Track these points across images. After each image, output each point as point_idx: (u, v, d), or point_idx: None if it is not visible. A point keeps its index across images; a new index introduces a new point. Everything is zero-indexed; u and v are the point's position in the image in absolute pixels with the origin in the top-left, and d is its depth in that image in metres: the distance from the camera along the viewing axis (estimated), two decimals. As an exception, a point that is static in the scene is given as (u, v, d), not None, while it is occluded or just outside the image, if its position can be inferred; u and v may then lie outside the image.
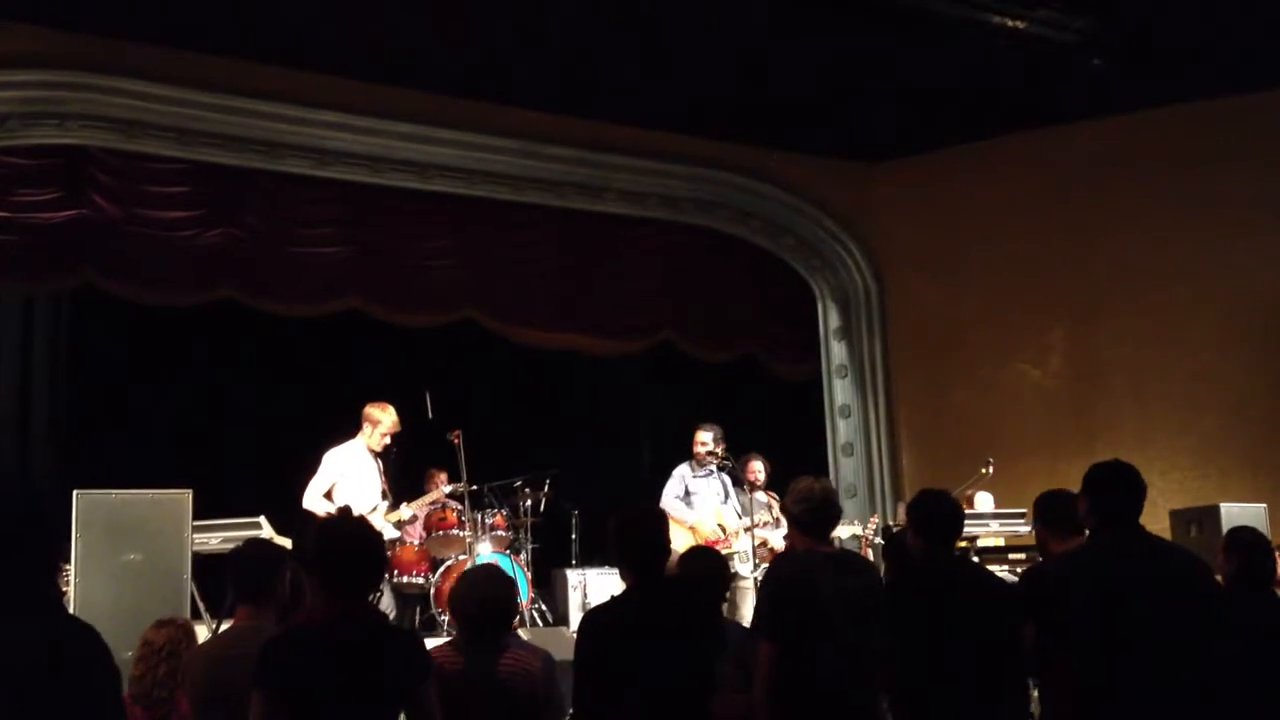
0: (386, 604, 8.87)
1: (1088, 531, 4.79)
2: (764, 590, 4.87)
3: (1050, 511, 5.23)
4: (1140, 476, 4.66)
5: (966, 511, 9.97)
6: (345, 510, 7.77)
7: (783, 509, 5.13)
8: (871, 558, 9.71)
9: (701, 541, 9.14)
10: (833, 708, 4.58)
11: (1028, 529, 9.36)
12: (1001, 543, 9.59)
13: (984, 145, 11.93)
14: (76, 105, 9.64)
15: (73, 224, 9.79)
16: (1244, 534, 5.48)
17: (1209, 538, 8.26)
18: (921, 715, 4.81)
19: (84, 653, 3.31)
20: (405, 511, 9.12)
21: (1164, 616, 4.35)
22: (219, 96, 9.96)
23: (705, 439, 9.90)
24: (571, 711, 4.67)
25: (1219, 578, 5.12)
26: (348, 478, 8.71)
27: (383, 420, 8.82)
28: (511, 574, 8.62)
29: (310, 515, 8.39)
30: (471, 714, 4.42)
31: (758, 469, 10.16)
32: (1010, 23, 9.29)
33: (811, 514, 4.91)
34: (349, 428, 8.87)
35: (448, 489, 9.61)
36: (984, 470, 10.13)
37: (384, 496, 8.91)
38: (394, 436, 8.93)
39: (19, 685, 3.17)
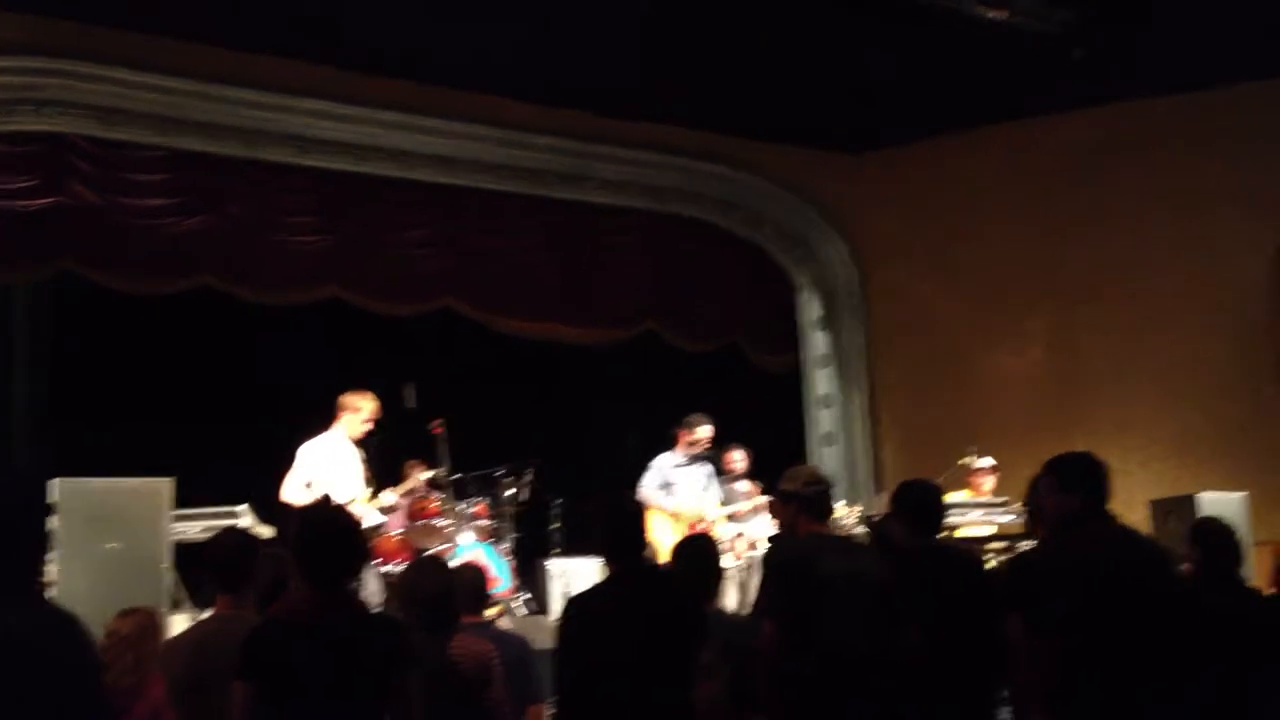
0: (374, 590, 8.86)
1: (1059, 522, 4.80)
2: (768, 572, 4.88)
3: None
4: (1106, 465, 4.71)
5: (973, 474, 10.05)
6: (325, 499, 7.76)
7: (787, 491, 5.08)
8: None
9: (684, 529, 9.15)
10: (834, 688, 4.59)
11: (1009, 518, 9.40)
12: (983, 532, 9.61)
13: (966, 136, 11.94)
14: (54, 92, 9.57)
15: (51, 212, 9.72)
16: (1209, 524, 5.59)
17: (1187, 528, 8.29)
18: (917, 701, 4.85)
19: (66, 641, 3.31)
20: (388, 498, 9.10)
21: (1143, 606, 4.39)
22: (199, 84, 9.92)
23: (707, 432, 9.87)
24: (553, 698, 4.69)
25: (1187, 567, 5.19)
26: (325, 470, 8.67)
27: (363, 408, 8.79)
28: (493, 564, 8.66)
29: (289, 507, 8.36)
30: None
31: (737, 458, 10.19)
32: (992, 14, 9.31)
33: (820, 496, 4.94)
34: (330, 416, 8.84)
35: (427, 475, 9.58)
36: (965, 461, 10.16)
37: (367, 484, 8.89)
38: (375, 424, 8.90)
39: (1, 672, 3.16)
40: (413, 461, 10.00)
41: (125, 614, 5.29)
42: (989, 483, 10.05)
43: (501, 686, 4.76)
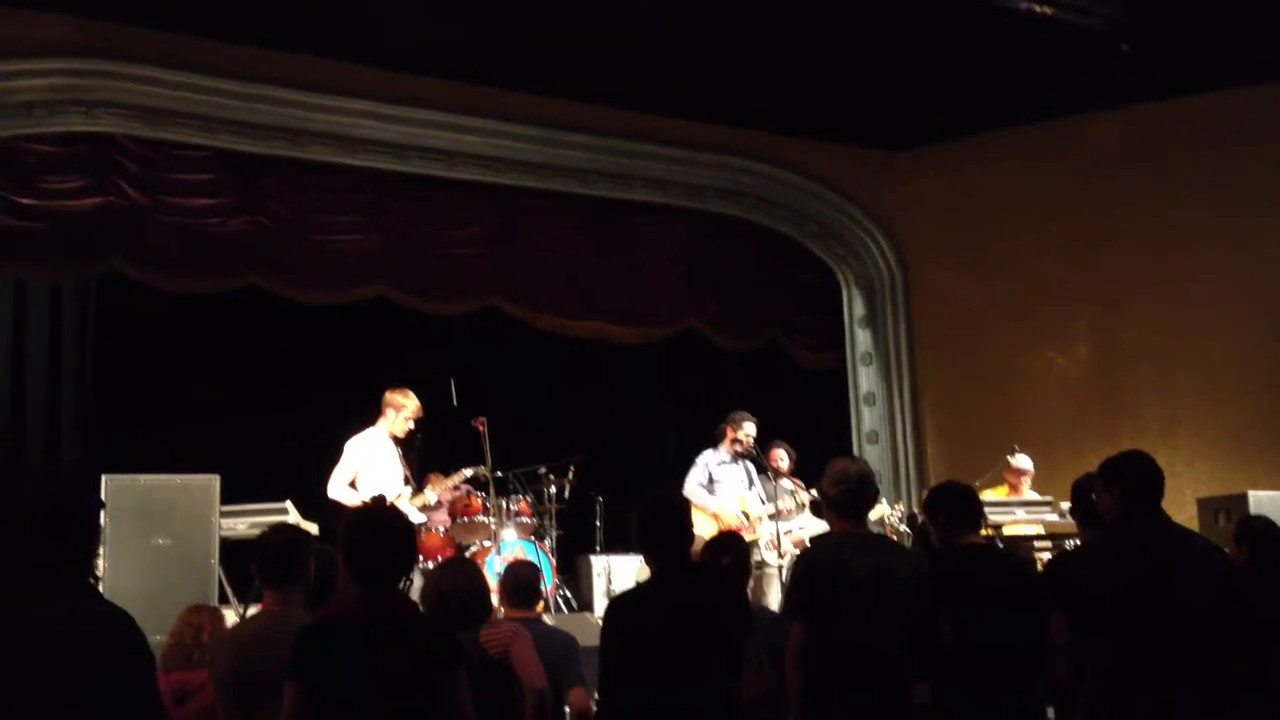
0: (419, 590, 8.89)
1: (1111, 520, 4.78)
2: (796, 571, 4.88)
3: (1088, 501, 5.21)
4: (1157, 464, 4.68)
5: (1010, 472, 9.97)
6: (379, 499, 7.80)
7: (820, 490, 5.10)
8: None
9: (725, 528, 9.14)
10: (861, 687, 4.58)
11: (1054, 517, 9.35)
12: (1029, 530, 9.55)
13: (1010, 133, 11.85)
14: (103, 93, 9.68)
15: (100, 211, 9.85)
16: (1256, 523, 5.54)
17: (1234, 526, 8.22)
18: (956, 698, 4.83)
19: (118, 635, 3.33)
20: (430, 496, 9.14)
21: (1196, 602, 4.38)
22: (245, 84, 10.00)
23: (752, 430, 9.88)
24: (598, 696, 4.71)
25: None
26: (370, 465, 8.73)
27: (405, 405, 8.83)
28: (537, 560, 8.69)
29: (337, 504, 8.41)
30: None
31: (781, 456, 10.17)
32: (1037, 9, 9.25)
33: (847, 495, 4.90)
34: (375, 414, 8.89)
35: (470, 471, 9.60)
36: (1009, 458, 10.10)
37: (407, 482, 8.92)
38: (417, 422, 8.94)
39: (54, 664, 3.19)
40: (434, 474, 9.99)
41: (192, 610, 5.36)
42: (1026, 483, 9.99)
43: (523, 647, 4.79)
